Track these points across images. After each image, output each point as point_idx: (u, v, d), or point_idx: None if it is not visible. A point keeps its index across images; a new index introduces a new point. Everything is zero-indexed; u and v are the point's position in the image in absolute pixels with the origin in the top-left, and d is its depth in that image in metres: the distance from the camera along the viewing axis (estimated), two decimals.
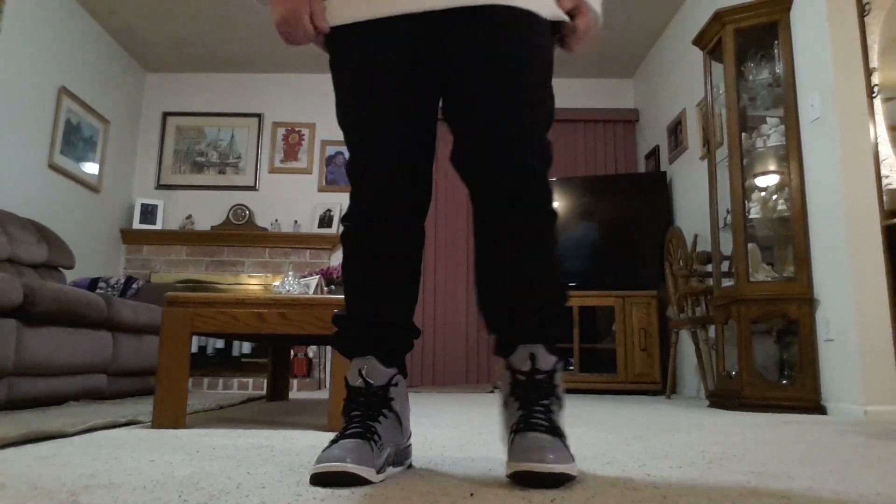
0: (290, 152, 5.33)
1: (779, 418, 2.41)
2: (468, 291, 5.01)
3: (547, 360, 1.11)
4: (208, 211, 5.22)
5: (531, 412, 1.05)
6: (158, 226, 5.07)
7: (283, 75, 5.45)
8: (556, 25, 1.20)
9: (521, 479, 0.97)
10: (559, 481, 0.96)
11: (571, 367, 4.39)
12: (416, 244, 1.28)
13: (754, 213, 3.01)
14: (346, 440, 1.02)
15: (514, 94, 1.12)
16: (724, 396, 2.94)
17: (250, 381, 4.50)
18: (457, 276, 5.04)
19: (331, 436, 1.66)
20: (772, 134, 3.01)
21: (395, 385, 1.15)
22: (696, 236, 3.93)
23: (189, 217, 5.15)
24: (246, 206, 5.17)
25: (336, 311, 1.29)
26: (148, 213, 5.08)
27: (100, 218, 4.75)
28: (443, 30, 1.13)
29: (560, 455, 0.97)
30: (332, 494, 0.90)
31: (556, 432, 1.02)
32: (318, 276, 2.53)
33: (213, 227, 5.12)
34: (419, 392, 4.46)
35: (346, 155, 1.29)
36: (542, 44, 1.17)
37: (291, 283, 2.43)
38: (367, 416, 1.09)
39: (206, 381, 4.48)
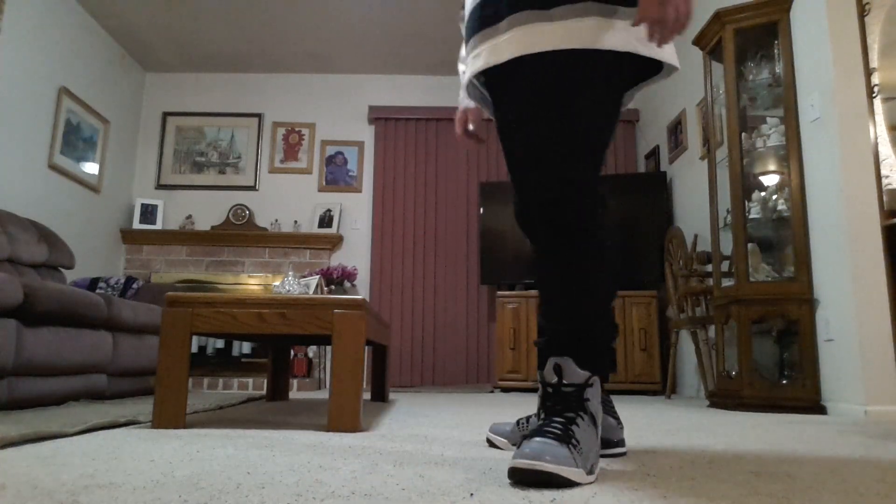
0: (290, 152, 5.33)
1: (779, 418, 2.41)
2: (468, 291, 5.01)
3: (576, 374, 1.14)
4: (208, 211, 5.22)
5: (550, 422, 1.07)
6: (158, 226, 5.07)
7: (283, 75, 5.45)
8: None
9: (512, 476, 0.98)
10: (547, 481, 0.96)
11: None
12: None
13: (754, 213, 3.01)
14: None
15: (522, 133, 1.24)
16: (724, 396, 2.94)
17: (250, 381, 4.50)
18: (457, 276, 5.04)
19: (331, 436, 1.67)
20: (772, 134, 3.01)
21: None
22: (696, 236, 3.93)
23: (189, 217, 5.15)
24: (246, 206, 5.17)
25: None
26: (148, 213, 5.08)
27: (100, 218, 4.75)
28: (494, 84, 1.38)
29: (558, 457, 0.97)
30: (332, 494, 0.91)
31: (569, 441, 1.02)
32: (318, 276, 2.53)
33: (213, 227, 5.12)
34: (419, 392, 4.46)
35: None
36: (549, 80, 1.21)
37: (291, 283, 2.43)
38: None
39: (206, 381, 4.48)
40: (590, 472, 1.02)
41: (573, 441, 1.02)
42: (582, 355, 1.16)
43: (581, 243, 1.21)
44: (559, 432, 1.02)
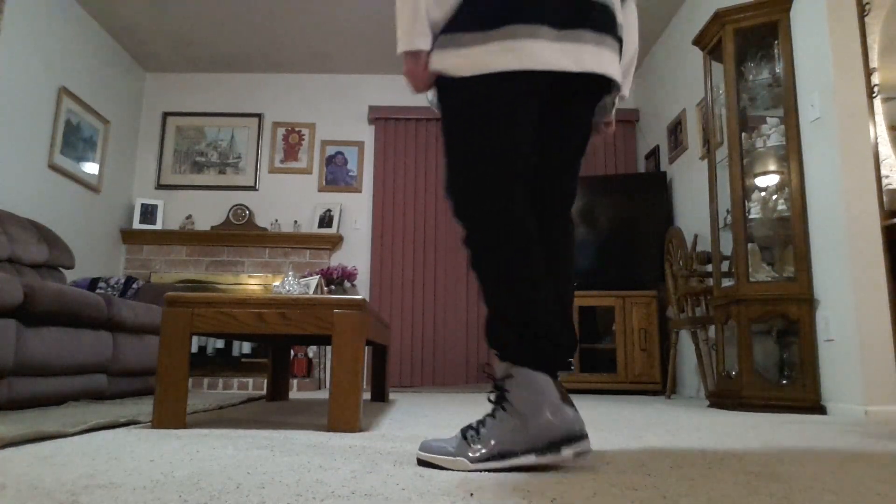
0: (290, 152, 5.33)
1: (779, 418, 2.41)
2: (468, 291, 5.01)
3: (498, 368, 1.23)
4: (208, 211, 5.22)
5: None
6: (158, 226, 5.07)
7: (283, 75, 5.45)
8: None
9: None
10: (422, 463, 1.21)
11: (572, 368, 4.39)
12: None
13: (754, 213, 3.01)
14: None
15: None
16: (724, 396, 2.94)
17: (250, 381, 4.50)
18: (457, 276, 5.04)
19: (331, 436, 1.67)
20: (772, 134, 3.01)
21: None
22: (696, 236, 3.93)
23: (189, 217, 5.15)
24: (246, 206, 5.17)
25: None
26: (148, 213, 5.08)
27: (100, 218, 4.75)
28: None
29: (438, 447, 1.20)
30: (332, 494, 0.91)
31: (466, 433, 1.20)
32: (318, 276, 2.53)
33: (213, 227, 5.12)
34: (419, 392, 4.46)
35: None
36: (444, 106, 1.39)
37: (291, 283, 2.43)
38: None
39: (206, 381, 4.48)
40: (482, 460, 1.15)
41: (468, 434, 1.19)
42: (499, 350, 1.23)
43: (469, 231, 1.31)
44: (466, 425, 1.22)
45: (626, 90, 1.53)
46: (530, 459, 1.13)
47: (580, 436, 1.14)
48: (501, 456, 1.14)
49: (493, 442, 1.15)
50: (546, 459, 1.13)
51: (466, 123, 1.32)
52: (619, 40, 1.41)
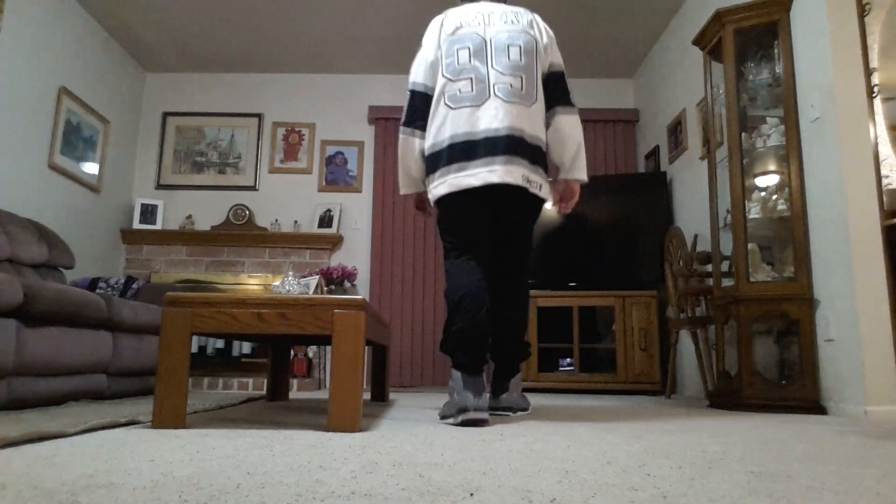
0: (290, 152, 5.33)
1: (779, 418, 2.41)
2: None
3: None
4: (208, 211, 5.22)
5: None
6: (158, 226, 5.07)
7: (283, 75, 5.45)
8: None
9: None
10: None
11: (571, 368, 4.40)
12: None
13: (754, 213, 3.01)
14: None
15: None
16: (724, 396, 2.94)
17: (250, 381, 4.50)
18: None
19: (331, 436, 1.67)
20: (772, 134, 3.01)
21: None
22: (696, 236, 3.93)
23: (189, 217, 5.15)
24: (246, 206, 5.17)
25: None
26: (148, 213, 5.08)
27: (100, 218, 4.75)
28: None
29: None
30: (332, 494, 0.91)
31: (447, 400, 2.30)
32: (318, 276, 2.53)
33: (213, 227, 5.12)
34: (419, 392, 4.46)
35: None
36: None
37: (291, 283, 2.43)
38: None
39: (206, 381, 4.48)
40: (441, 416, 2.14)
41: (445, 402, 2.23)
42: (448, 355, 2.19)
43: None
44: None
45: (578, 174, 2.34)
46: (449, 421, 2.04)
47: (471, 409, 1.96)
48: (443, 417, 2.10)
49: (444, 407, 2.13)
50: (454, 420, 1.99)
51: (442, 221, 2.30)
52: (527, 154, 2.15)
